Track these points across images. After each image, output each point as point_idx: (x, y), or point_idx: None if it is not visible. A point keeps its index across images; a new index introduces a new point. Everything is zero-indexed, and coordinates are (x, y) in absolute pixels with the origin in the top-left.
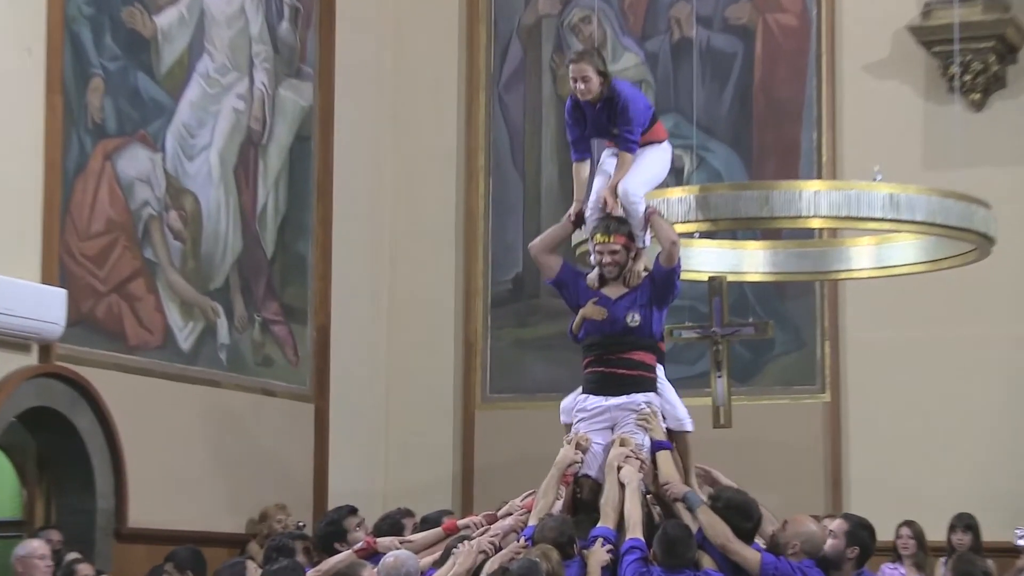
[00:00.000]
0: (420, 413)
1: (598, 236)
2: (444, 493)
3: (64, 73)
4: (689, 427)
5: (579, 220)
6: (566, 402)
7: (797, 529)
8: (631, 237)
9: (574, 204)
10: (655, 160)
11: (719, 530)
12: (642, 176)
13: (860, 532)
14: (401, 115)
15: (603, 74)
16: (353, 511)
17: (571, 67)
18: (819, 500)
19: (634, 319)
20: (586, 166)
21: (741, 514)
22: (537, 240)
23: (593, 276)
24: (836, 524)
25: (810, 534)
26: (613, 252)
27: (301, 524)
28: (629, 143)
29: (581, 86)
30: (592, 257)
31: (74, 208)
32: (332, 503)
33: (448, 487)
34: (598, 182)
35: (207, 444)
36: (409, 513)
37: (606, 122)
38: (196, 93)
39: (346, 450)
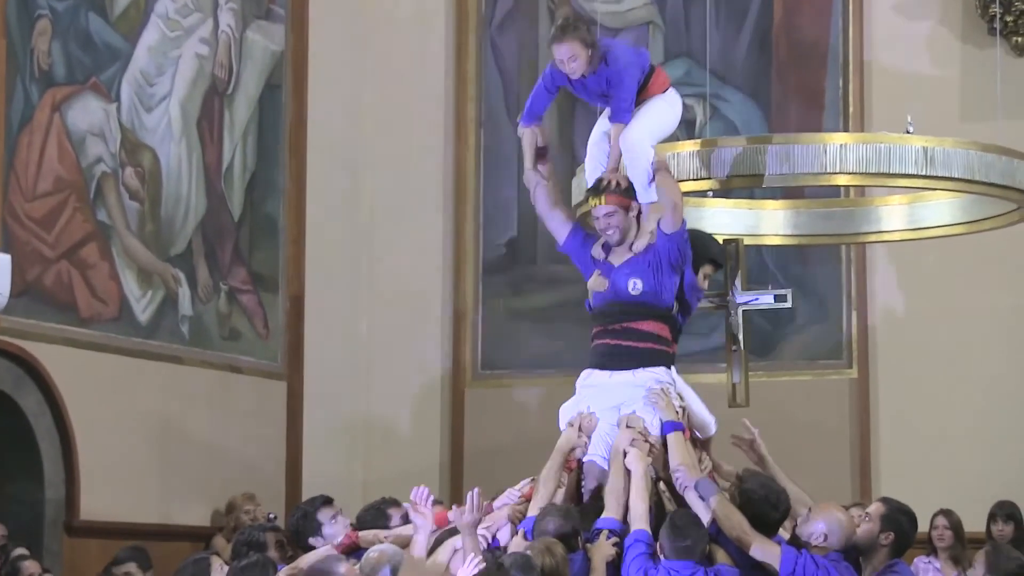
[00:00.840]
0: (404, 392)
1: (590, 199)
2: (431, 481)
3: (7, 14)
4: (713, 431)
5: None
6: (566, 407)
7: (830, 519)
8: (627, 194)
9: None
10: (660, 109)
11: (735, 521)
12: (647, 125)
13: (898, 517)
14: (382, 61)
15: (591, 45)
16: (328, 502)
17: (554, 47)
18: (845, 487)
19: (635, 286)
20: (535, 132)
21: (768, 502)
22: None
23: (598, 247)
24: (873, 507)
25: (841, 524)
26: (608, 215)
27: (272, 516)
28: (621, 112)
29: (570, 65)
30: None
31: (18, 165)
32: (307, 493)
33: (436, 474)
34: (598, 140)
35: (168, 427)
36: (395, 503)
37: (605, 88)
38: (154, 37)
39: (322, 433)
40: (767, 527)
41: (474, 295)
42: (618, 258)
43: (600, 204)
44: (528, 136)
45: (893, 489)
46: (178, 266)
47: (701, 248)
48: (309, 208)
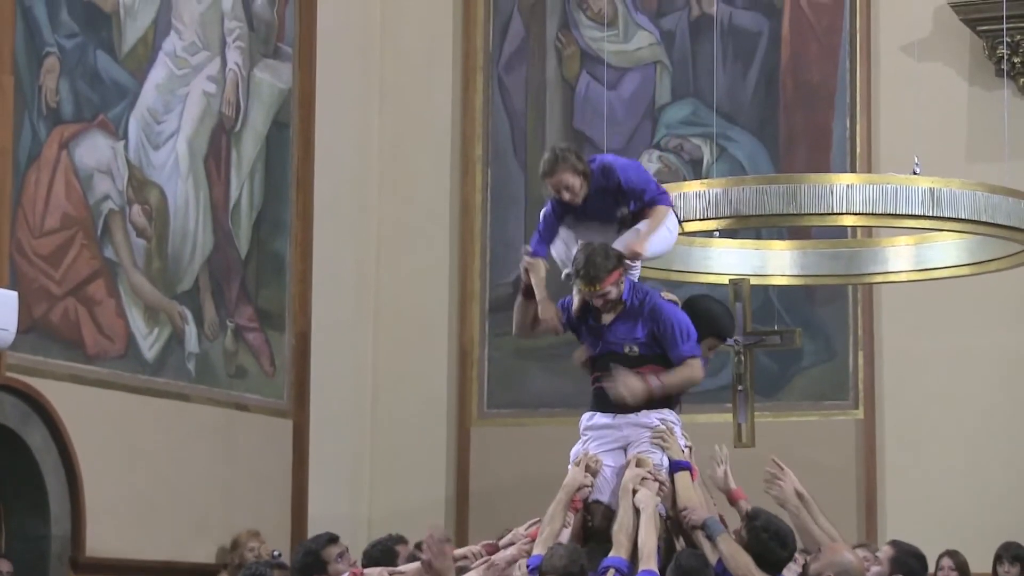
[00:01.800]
0: (410, 429)
1: (581, 286)
2: (436, 518)
3: (15, 51)
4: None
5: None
6: (576, 450)
7: (832, 558)
8: (617, 267)
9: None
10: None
11: (741, 562)
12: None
13: (908, 560)
14: (390, 99)
15: (582, 172)
16: (333, 540)
17: (547, 181)
18: (851, 527)
19: (632, 350)
20: (545, 263)
21: (778, 540)
22: (515, 327)
23: (576, 303)
24: (883, 550)
25: (846, 565)
26: (603, 296)
27: (277, 553)
28: (657, 199)
29: (567, 196)
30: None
31: (26, 202)
32: (312, 529)
33: (441, 512)
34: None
35: (173, 464)
36: (402, 539)
37: (612, 206)
38: (162, 74)
39: (328, 470)
40: (773, 566)
41: (480, 333)
42: (607, 315)
43: (596, 291)
44: (539, 266)
45: (899, 529)
46: (185, 303)
47: (707, 321)
48: (316, 245)
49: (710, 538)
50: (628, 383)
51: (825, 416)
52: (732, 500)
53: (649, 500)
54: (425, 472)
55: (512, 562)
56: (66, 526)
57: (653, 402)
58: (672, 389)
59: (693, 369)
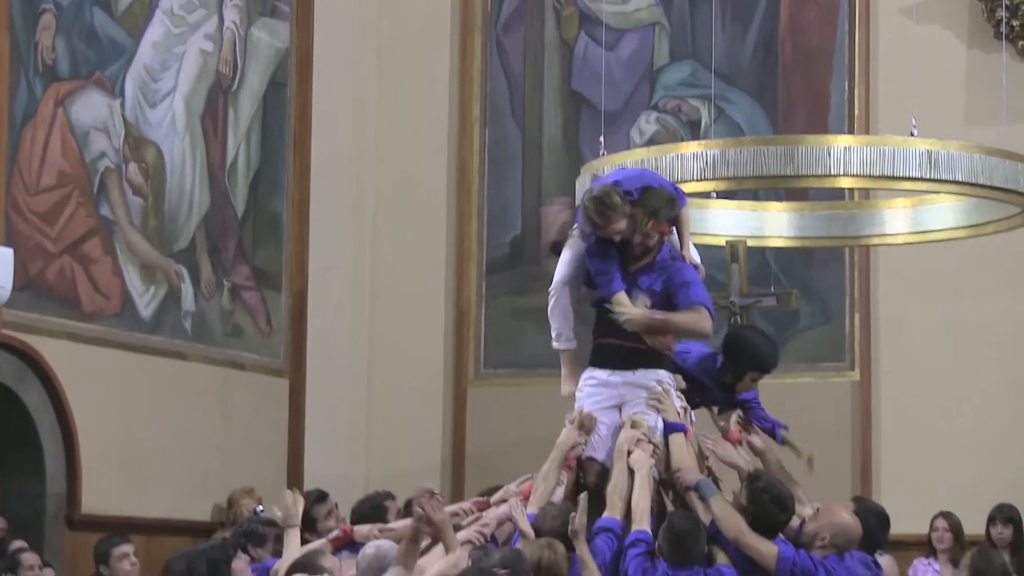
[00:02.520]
0: (406, 390)
1: (639, 216)
2: (432, 478)
3: (11, 8)
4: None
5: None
6: (578, 397)
7: (829, 520)
8: (624, 211)
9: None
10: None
11: (732, 522)
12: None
13: (868, 518)
14: (387, 59)
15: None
16: (322, 497)
17: (607, 230)
18: (846, 489)
19: (643, 302)
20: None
21: (778, 503)
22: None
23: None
24: (845, 506)
25: (843, 526)
26: (647, 236)
27: (260, 509)
28: (700, 297)
29: (639, 241)
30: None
31: (22, 159)
32: (309, 488)
33: (437, 472)
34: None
35: (170, 422)
36: (390, 496)
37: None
38: (159, 32)
39: (324, 430)
40: (772, 528)
41: (477, 294)
42: (632, 262)
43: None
44: (621, 300)
45: (894, 491)
46: (181, 262)
47: (749, 354)
48: (313, 205)
49: (703, 499)
50: (630, 309)
51: (821, 378)
52: (729, 440)
53: (643, 462)
54: (422, 432)
55: (504, 520)
56: (62, 484)
57: (652, 359)
58: (674, 328)
59: (700, 316)
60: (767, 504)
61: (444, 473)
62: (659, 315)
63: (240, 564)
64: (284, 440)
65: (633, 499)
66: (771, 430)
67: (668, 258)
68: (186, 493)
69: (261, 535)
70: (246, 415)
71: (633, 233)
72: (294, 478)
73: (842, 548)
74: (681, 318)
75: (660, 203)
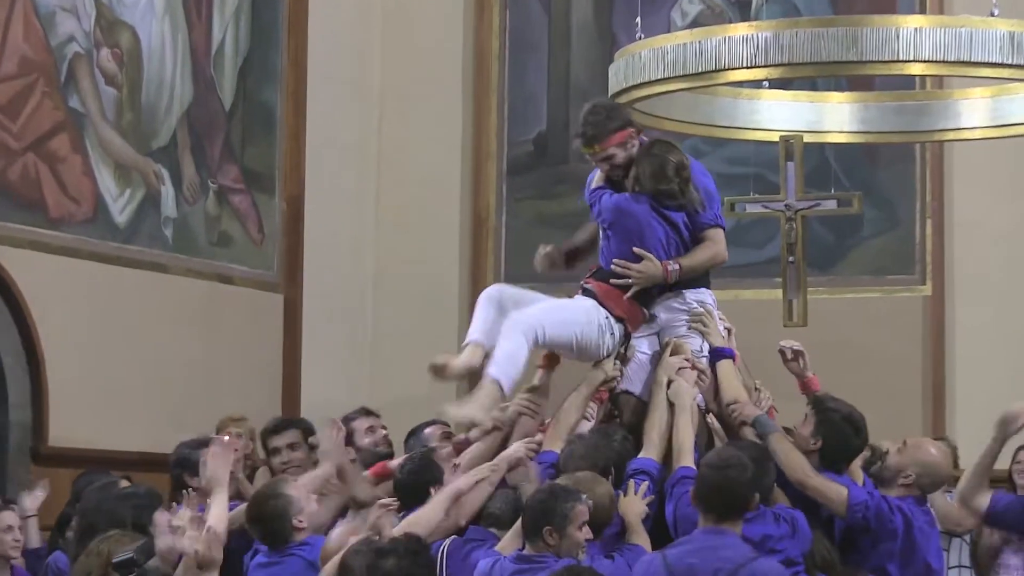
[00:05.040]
0: (416, 306)
1: (581, 148)
2: (444, 402)
3: None
4: None
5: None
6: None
7: (916, 456)
8: (622, 127)
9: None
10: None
11: (796, 463)
12: None
13: (841, 427)
14: None
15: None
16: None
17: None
18: (916, 419)
19: (673, 269)
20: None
21: (851, 425)
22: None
23: (598, 177)
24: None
25: (931, 464)
26: (607, 159)
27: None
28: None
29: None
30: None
31: None
32: (306, 417)
33: (450, 397)
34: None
35: (148, 344)
36: (369, 413)
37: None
38: None
39: (323, 352)
40: (847, 455)
41: (497, 198)
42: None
43: (596, 152)
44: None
45: (970, 421)
46: (161, 161)
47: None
48: (310, 97)
49: (761, 437)
50: (643, 268)
51: (888, 293)
52: (806, 390)
53: (686, 392)
54: (434, 353)
55: (516, 464)
56: (27, 412)
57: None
58: (694, 272)
59: (716, 243)
60: (842, 427)
61: (456, 397)
62: (673, 269)
63: (161, 518)
64: (279, 364)
65: (676, 434)
66: None
67: None
68: (167, 424)
69: (194, 462)
70: (235, 335)
71: (630, 152)
72: (289, 406)
73: (927, 489)
74: (698, 260)
75: (589, 125)
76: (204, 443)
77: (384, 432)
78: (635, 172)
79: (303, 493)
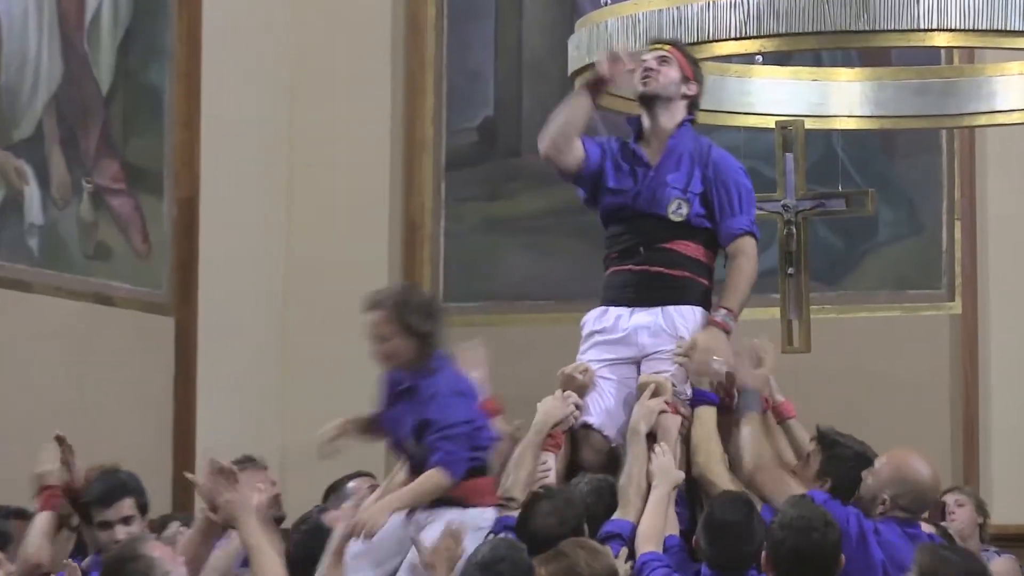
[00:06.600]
0: (338, 331)
1: (654, 46)
2: (377, 452)
3: None
4: None
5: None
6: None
7: (896, 472)
8: (696, 75)
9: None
10: None
11: (757, 449)
12: None
13: (852, 466)
14: None
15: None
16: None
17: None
18: (944, 457)
19: (679, 210)
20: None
21: (865, 464)
22: (547, 132)
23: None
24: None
25: (915, 482)
26: (662, 60)
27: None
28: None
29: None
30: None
31: None
32: (202, 464)
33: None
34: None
35: (8, 376)
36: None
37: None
38: None
39: (223, 385)
40: (848, 492)
41: (434, 199)
42: (653, 152)
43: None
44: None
45: (1008, 460)
46: (23, 156)
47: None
48: (206, 77)
49: (736, 411)
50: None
51: (909, 311)
52: (779, 417)
53: (670, 476)
54: (359, 388)
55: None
56: None
57: (684, 290)
58: (743, 306)
59: (751, 258)
60: (850, 463)
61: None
62: (723, 317)
63: None
64: (169, 400)
65: (645, 515)
66: None
67: (691, 143)
68: (28, 472)
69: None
70: (116, 366)
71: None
72: (182, 450)
73: (911, 510)
74: (742, 284)
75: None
76: (18, 513)
77: (275, 491)
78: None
79: (168, 554)
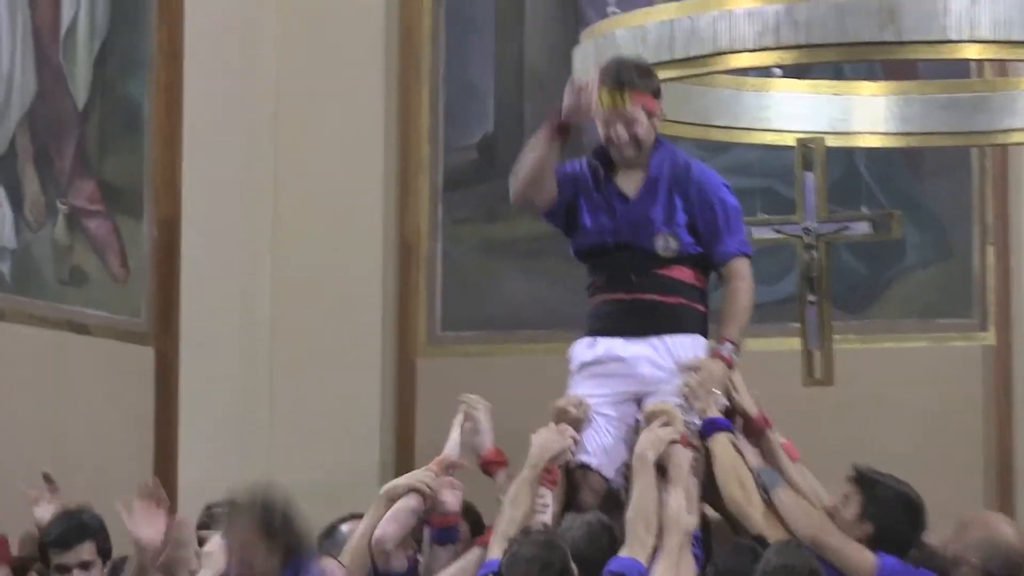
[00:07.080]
0: (328, 361)
1: (603, 96)
2: (369, 488)
3: None
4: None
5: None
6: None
7: (981, 535)
8: (654, 90)
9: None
10: None
11: (812, 519)
12: None
13: (888, 505)
14: None
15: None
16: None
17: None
18: (976, 497)
19: (668, 246)
20: None
21: (910, 509)
22: (517, 180)
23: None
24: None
25: (1007, 547)
26: (631, 123)
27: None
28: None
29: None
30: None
31: None
32: (184, 503)
33: (375, 479)
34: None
35: None
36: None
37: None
38: None
39: (207, 419)
40: (905, 542)
41: (431, 221)
42: (630, 183)
43: (621, 106)
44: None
45: None
46: None
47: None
48: (188, 92)
49: (765, 489)
50: (706, 373)
51: (938, 341)
52: (753, 430)
53: (678, 483)
54: (351, 421)
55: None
56: None
57: (682, 318)
58: (743, 334)
59: (745, 279)
60: (894, 504)
61: (384, 481)
62: (727, 351)
63: None
64: (149, 434)
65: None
66: None
67: (670, 169)
68: (3, 510)
69: None
70: (91, 398)
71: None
72: (164, 487)
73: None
74: (741, 312)
75: (628, 69)
76: None
77: None
78: None
79: None
